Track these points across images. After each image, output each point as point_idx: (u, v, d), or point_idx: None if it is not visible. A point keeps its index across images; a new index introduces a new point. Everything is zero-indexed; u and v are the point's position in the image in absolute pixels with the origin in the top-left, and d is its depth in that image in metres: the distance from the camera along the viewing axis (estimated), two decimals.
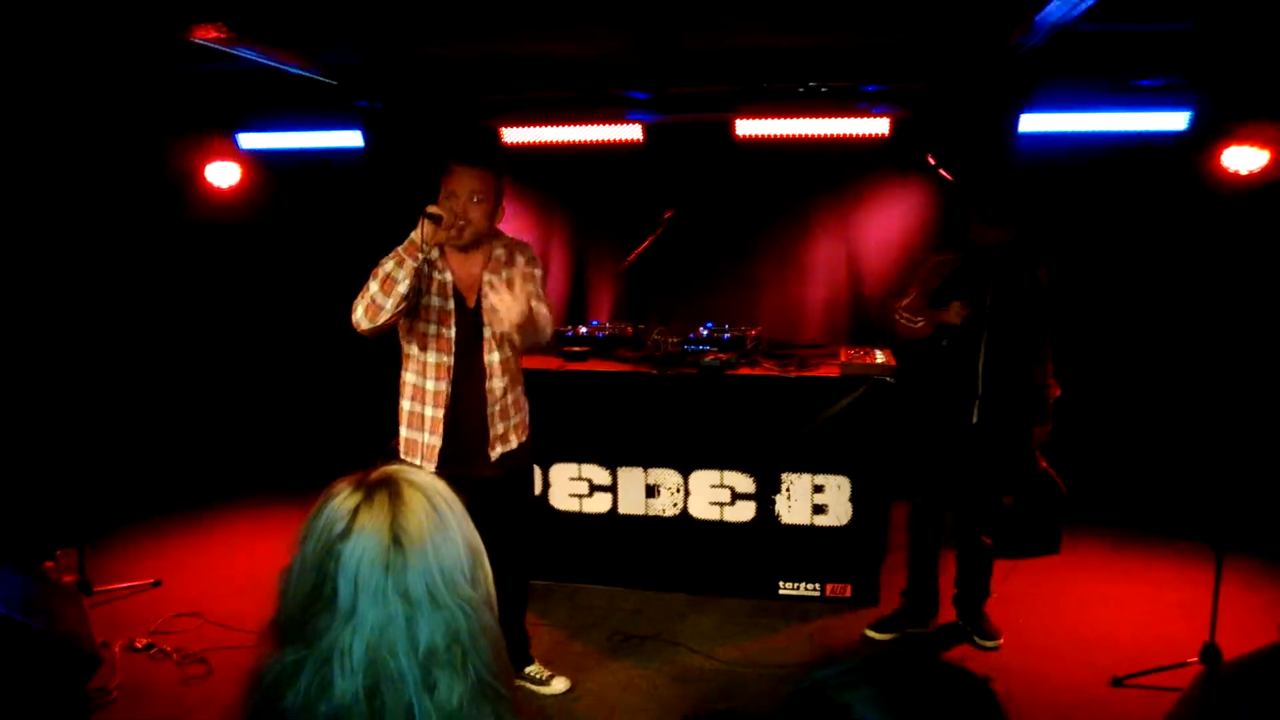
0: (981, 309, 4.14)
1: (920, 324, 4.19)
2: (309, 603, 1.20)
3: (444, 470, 3.41)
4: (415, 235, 3.09)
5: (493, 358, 3.45)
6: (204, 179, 6.12)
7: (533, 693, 3.87)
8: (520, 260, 3.54)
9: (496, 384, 3.47)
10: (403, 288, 3.09)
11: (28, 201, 5.63)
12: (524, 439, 3.64)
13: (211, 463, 6.65)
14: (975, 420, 4.18)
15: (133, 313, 6.43)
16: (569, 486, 4.88)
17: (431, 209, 3.12)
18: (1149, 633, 4.39)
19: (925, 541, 4.39)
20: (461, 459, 3.46)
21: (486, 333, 3.42)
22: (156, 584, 4.91)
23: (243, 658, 4.08)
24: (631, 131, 5.79)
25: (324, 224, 6.67)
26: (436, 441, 3.44)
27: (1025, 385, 4.21)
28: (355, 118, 5.97)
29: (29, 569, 4.17)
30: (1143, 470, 5.81)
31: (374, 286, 3.12)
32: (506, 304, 3.10)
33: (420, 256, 3.10)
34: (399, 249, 3.12)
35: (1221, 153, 4.88)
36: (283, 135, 6.15)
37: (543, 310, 3.43)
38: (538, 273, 3.57)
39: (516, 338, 3.29)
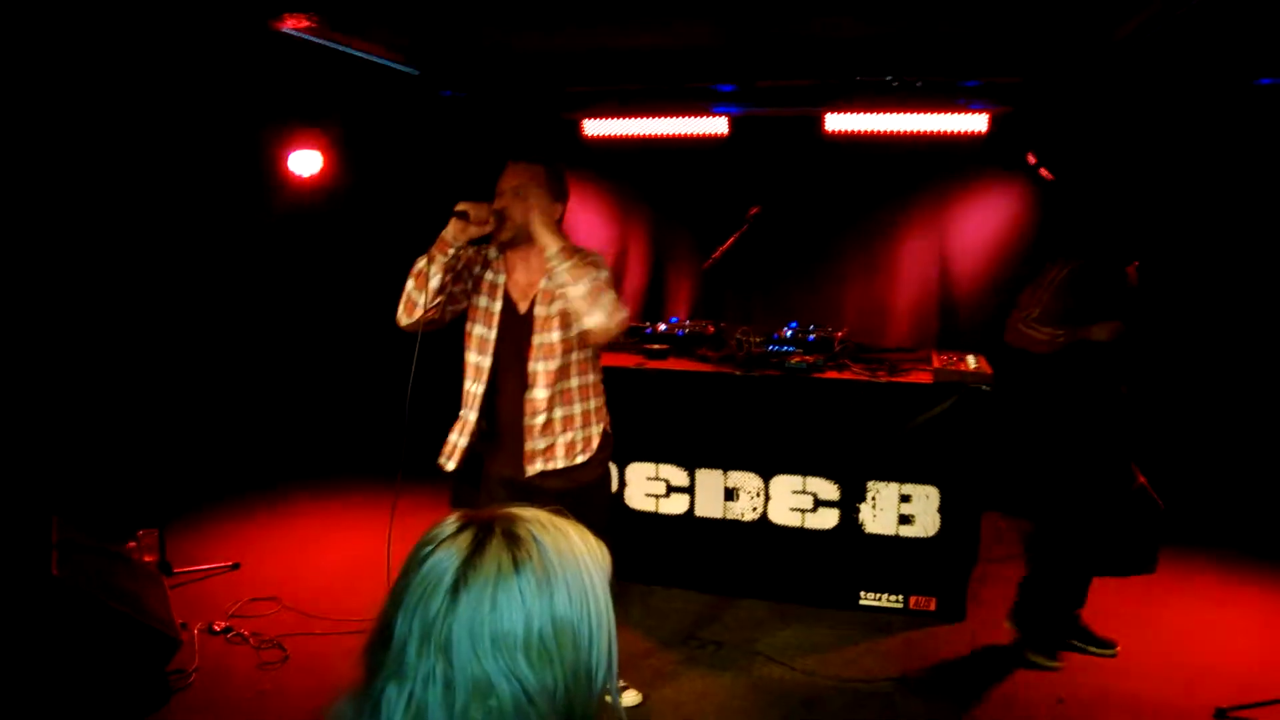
0: (1126, 317, 3.93)
1: (1049, 337, 3.92)
2: (379, 634, 1.07)
3: (483, 474, 3.38)
4: (444, 232, 3.09)
5: (536, 366, 3.24)
6: (286, 167, 6.17)
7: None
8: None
9: (539, 394, 3.24)
10: (434, 283, 3.08)
11: (106, 188, 5.71)
12: (577, 460, 3.33)
13: (292, 445, 6.72)
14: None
15: (213, 296, 6.50)
16: (645, 486, 4.80)
17: (459, 206, 3.07)
18: (1255, 662, 4.16)
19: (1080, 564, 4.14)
20: (503, 466, 3.37)
21: (535, 339, 3.24)
22: (235, 566, 4.94)
23: (317, 645, 4.07)
24: (717, 125, 5.67)
25: (403, 212, 6.68)
26: (462, 441, 3.31)
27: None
28: (438, 108, 5.97)
29: (113, 549, 4.22)
30: (1248, 489, 5.55)
31: (410, 283, 3.15)
32: (574, 287, 3.04)
33: (450, 252, 3.07)
34: (432, 246, 3.11)
35: None
36: (366, 124, 6.18)
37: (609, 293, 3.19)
38: (599, 273, 3.19)
39: (591, 327, 3.09)
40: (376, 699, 1.05)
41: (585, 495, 3.32)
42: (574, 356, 3.28)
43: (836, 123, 5.43)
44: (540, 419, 3.25)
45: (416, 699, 1.02)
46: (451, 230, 3.06)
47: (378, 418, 6.90)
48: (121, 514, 5.10)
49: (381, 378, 6.95)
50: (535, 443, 3.27)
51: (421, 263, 3.12)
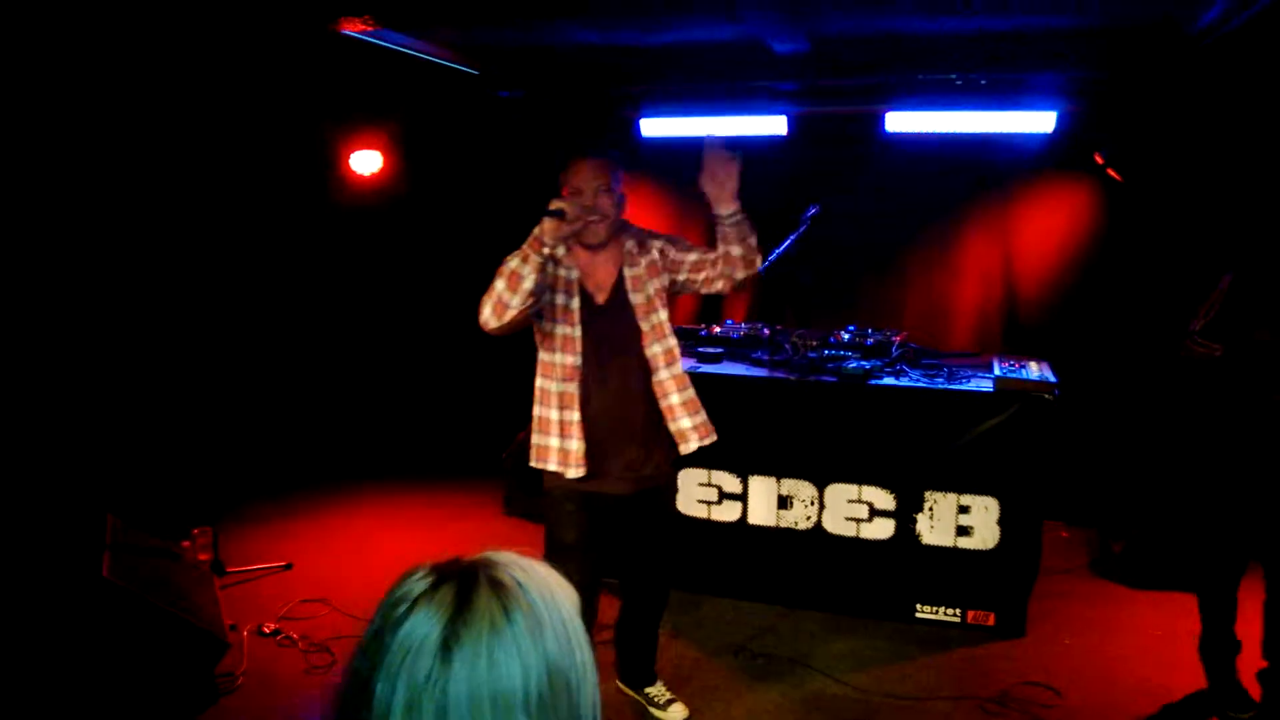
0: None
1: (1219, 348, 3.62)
2: (353, 692, 0.99)
3: (588, 480, 3.29)
4: (537, 230, 3.02)
5: (655, 349, 3.32)
6: (347, 166, 6.22)
7: (648, 713, 3.72)
8: (655, 245, 3.40)
9: (664, 376, 3.33)
10: (528, 284, 3.00)
11: (166, 187, 5.80)
12: (710, 439, 3.47)
13: (347, 445, 6.77)
14: None
15: (276, 294, 6.58)
16: (697, 493, 4.72)
17: (554, 204, 3.03)
18: None
19: None
20: (605, 467, 3.32)
21: (644, 325, 3.30)
22: (287, 567, 4.97)
23: None
24: (775, 124, 5.58)
25: (461, 211, 6.69)
26: (576, 446, 3.26)
27: None
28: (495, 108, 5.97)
29: (166, 547, 4.27)
30: None
31: (499, 284, 3.05)
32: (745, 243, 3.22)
33: (545, 252, 3.01)
34: (524, 245, 3.04)
35: None
36: (425, 123, 6.20)
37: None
38: (677, 245, 3.43)
39: (745, 274, 3.25)
40: None
41: (671, 486, 3.57)
42: (671, 341, 3.37)
43: (898, 122, 5.30)
44: (676, 398, 3.35)
45: None
46: (548, 229, 2.99)
47: (433, 417, 6.96)
48: (179, 511, 5.17)
49: (436, 377, 7.02)
50: (680, 422, 3.37)
51: (514, 262, 3.03)
